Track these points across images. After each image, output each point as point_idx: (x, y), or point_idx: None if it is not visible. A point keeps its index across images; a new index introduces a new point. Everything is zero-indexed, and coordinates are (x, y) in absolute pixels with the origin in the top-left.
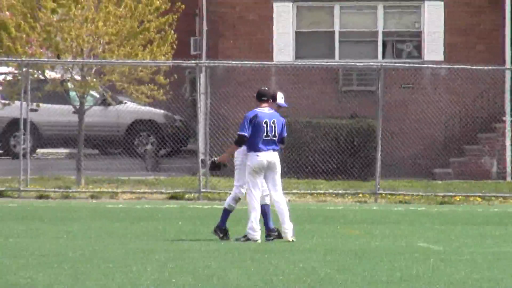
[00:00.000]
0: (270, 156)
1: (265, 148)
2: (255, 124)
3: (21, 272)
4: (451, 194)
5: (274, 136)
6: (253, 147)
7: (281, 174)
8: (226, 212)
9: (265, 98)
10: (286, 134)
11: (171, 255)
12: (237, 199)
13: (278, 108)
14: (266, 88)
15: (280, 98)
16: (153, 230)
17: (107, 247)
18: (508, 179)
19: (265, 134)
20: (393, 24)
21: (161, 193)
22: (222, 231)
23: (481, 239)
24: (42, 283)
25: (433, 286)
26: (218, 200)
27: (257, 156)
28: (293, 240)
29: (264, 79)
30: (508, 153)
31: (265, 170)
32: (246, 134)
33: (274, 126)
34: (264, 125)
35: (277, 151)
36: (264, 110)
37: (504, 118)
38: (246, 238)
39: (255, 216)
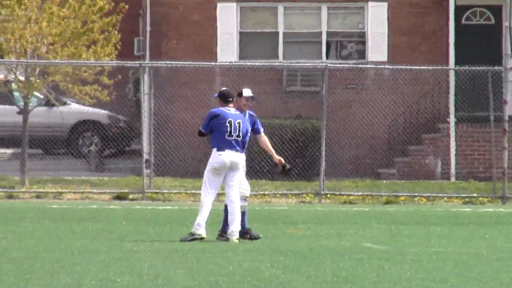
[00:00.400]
0: (233, 157)
1: (228, 148)
2: (218, 122)
3: None
4: (395, 194)
5: (238, 136)
6: (216, 145)
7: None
8: (242, 214)
9: (231, 99)
10: (262, 128)
11: (115, 255)
12: (244, 198)
13: (252, 100)
14: (227, 89)
15: (247, 92)
16: (97, 230)
17: (51, 247)
18: (452, 179)
19: (228, 134)
20: (337, 25)
21: (106, 193)
22: (246, 233)
23: (426, 239)
24: None
25: (378, 286)
26: (162, 200)
27: (220, 155)
28: (238, 241)
29: (208, 80)
30: (452, 153)
31: (227, 170)
32: (204, 131)
33: (239, 127)
34: (228, 124)
35: (241, 152)
36: (230, 110)
37: (448, 119)
38: (192, 236)
39: (204, 212)
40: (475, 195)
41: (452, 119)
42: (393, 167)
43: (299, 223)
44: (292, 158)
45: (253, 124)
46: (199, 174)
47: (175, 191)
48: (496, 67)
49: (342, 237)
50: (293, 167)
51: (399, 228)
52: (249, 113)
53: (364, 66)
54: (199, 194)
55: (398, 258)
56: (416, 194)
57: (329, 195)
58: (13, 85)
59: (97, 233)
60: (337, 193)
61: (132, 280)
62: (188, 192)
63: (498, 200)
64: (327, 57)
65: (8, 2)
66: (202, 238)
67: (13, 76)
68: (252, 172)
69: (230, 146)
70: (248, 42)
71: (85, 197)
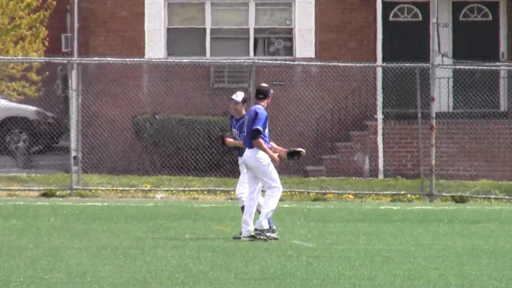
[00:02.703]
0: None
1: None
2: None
3: None
4: (323, 191)
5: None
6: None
7: (152, 171)
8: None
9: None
10: (256, 126)
11: (43, 252)
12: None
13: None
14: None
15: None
16: (24, 227)
17: None
18: (380, 176)
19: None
20: (265, 21)
21: (33, 190)
22: (272, 231)
23: (354, 236)
24: None
25: (306, 283)
26: (91, 196)
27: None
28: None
29: (136, 76)
30: (380, 150)
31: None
32: (262, 130)
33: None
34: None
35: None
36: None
37: (375, 116)
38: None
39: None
40: (402, 192)
41: (379, 116)
42: (321, 164)
43: (227, 219)
44: (220, 155)
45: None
46: (127, 171)
47: (103, 188)
48: (424, 64)
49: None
50: (222, 163)
51: (327, 225)
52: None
53: (292, 63)
54: (127, 190)
55: (326, 255)
56: (344, 191)
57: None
58: None
59: (25, 230)
60: (264, 189)
61: (60, 277)
62: (116, 188)
63: (425, 198)
64: (254, 54)
65: None
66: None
67: None
68: (180, 169)
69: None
70: (175, 38)
71: (12, 194)
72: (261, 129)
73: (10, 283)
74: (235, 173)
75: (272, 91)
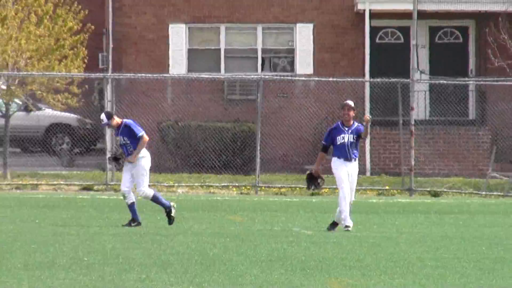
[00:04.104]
0: None
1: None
2: None
3: None
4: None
5: (351, 145)
6: None
7: (174, 169)
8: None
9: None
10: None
11: (83, 238)
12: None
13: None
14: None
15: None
16: (67, 217)
17: (28, 231)
18: (368, 174)
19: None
20: (270, 43)
21: (75, 185)
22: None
23: None
24: None
25: (304, 264)
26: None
27: None
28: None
29: (161, 89)
30: (367, 152)
31: None
32: (325, 143)
33: (352, 137)
34: None
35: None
36: None
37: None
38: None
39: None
40: (386, 187)
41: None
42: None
43: (238, 211)
44: (231, 156)
45: (360, 129)
46: (153, 169)
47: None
48: (404, 79)
49: (275, 223)
50: (234, 163)
51: (323, 215)
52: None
53: (293, 78)
54: (153, 185)
55: (322, 241)
56: (336, 187)
57: (263, 187)
58: None
59: (68, 219)
60: (270, 185)
61: (98, 258)
62: (149, 183)
63: (406, 192)
64: (262, 70)
65: None
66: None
67: None
68: (199, 167)
69: (345, 155)
70: (195, 57)
71: (57, 189)
72: (324, 142)
73: (55, 265)
74: (246, 171)
75: (348, 103)
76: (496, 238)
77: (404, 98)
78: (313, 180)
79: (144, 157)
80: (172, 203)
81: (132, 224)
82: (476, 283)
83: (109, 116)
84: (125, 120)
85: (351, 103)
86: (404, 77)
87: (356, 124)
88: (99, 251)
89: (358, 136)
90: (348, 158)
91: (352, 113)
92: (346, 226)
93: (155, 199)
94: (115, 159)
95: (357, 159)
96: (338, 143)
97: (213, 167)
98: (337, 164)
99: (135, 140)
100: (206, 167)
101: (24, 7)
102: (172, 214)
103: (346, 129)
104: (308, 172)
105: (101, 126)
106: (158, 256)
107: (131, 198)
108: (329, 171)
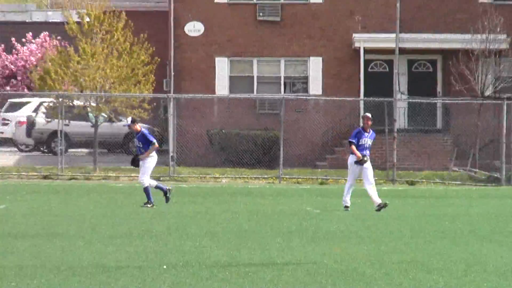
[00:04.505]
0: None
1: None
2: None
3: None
4: (326, 178)
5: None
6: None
7: (219, 165)
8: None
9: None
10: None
11: (152, 214)
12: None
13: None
14: (368, 115)
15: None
16: (141, 200)
17: (112, 210)
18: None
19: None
20: (290, 72)
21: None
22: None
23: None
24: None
25: (315, 235)
26: (181, 181)
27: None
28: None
29: (210, 105)
30: None
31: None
32: (352, 140)
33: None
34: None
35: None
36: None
37: None
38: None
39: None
40: (376, 178)
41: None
42: (325, 161)
43: (266, 196)
44: (261, 155)
45: (374, 138)
46: (203, 165)
47: (188, 175)
48: (389, 99)
49: (292, 204)
50: (263, 160)
51: (329, 199)
52: (372, 132)
53: (307, 97)
54: (203, 177)
55: (328, 217)
56: (339, 178)
57: (285, 178)
58: (88, 109)
59: (141, 202)
60: (290, 177)
61: (163, 230)
62: (197, 176)
63: (390, 182)
64: (284, 92)
65: (85, 56)
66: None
67: (88, 103)
68: (237, 163)
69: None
70: (234, 82)
71: (132, 179)
72: (351, 139)
73: (132, 234)
74: (272, 166)
75: (367, 115)
76: (456, 215)
77: (389, 113)
78: (361, 161)
79: (152, 157)
80: (169, 187)
81: (148, 206)
82: (441, 248)
83: (133, 121)
84: (143, 129)
85: (369, 115)
86: (389, 97)
87: (371, 131)
88: (164, 225)
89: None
90: (365, 155)
91: (370, 123)
92: (379, 205)
93: (146, 190)
94: (133, 161)
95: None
96: (360, 143)
97: (247, 163)
98: (354, 159)
99: (147, 145)
100: (243, 163)
101: (108, 45)
102: (167, 198)
103: (366, 134)
104: (355, 160)
105: (124, 126)
106: (208, 228)
107: (147, 184)
108: (338, 166)
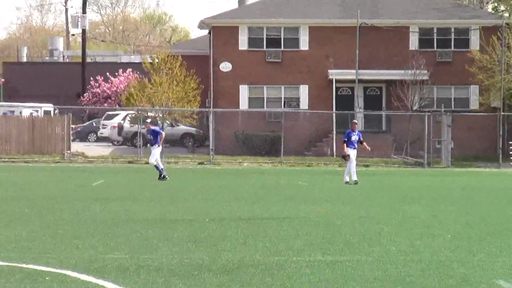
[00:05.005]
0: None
1: (352, 146)
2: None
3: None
4: (312, 163)
5: (356, 141)
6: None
7: (242, 154)
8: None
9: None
10: (362, 139)
11: (197, 188)
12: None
13: (355, 124)
14: (355, 121)
15: (355, 122)
16: (193, 176)
17: (169, 185)
18: (333, 156)
19: (352, 139)
20: (288, 94)
21: (195, 162)
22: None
23: (325, 180)
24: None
25: (303, 200)
26: (218, 165)
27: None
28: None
29: (236, 116)
30: (334, 146)
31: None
32: (345, 139)
33: (357, 138)
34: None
35: (355, 148)
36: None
37: (332, 133)
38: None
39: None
40: (341, 163)
41: (334, 132)
42: (310, 151)
43: (272, 174)
44: (270, 148)
45: (360, 136)
46: (232, 154)
47: (222, 161)
48: (352, 112)
49: (289, 180)
50: (271, 151)
51: (313, 176)
52: (357, 132)
53: (299, 110)
54: (231, 162)
55: (313, 189)
56: (320, 162)
57: (284, 162)
58: (157, 118)
59: (190, 179)
60: (288, 161)
61: (214, 195)
62: (227, 161)
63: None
64: (284, 107)
65: (155, 84)
66: (346, 183)
67: (157, 114)
68: (255, 153)
69: (353, 145)
70: (252, 101)
71: (186, 164)
72: (345, 139)
73: (196, 198)
74: (276, 155)
75: (354, 121)
76: (395, 187)
77: (351, 120)
78: (345, 157)
79: (159, 147)
80: (165, 175)
81: (162, 179)
82: (386, 207)
83: (147, 121)
84: (152, 127)
85: (356, 121)
86: (352, 110)
87: (357, 131)
88: (206, 192)
89: (359, 139)
90: (354, 148)
91: (356, 126)
92: (354, 181)
93: (156, 167)
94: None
95: (357, 148)
96: (351, 139)
97: (260, 153)
98: (349, 150)
99: (155, 137)
100: (257, 153)
101: (170, 77)
102: (161, 177)
103: (354, 133)
104: (342, 155)
105: (141, 123)
106: (234, 195)
107: (155, 163)
108: (319, 154)
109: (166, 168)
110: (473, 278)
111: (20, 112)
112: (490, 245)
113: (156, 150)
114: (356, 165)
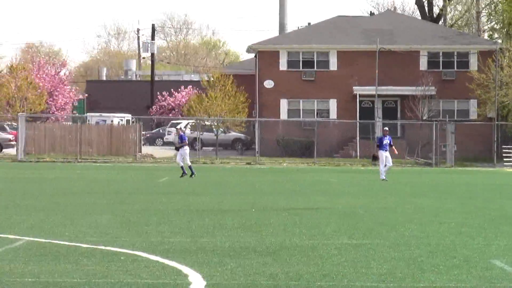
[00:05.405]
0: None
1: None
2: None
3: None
4: (340, 163)
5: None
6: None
7: (282, 155)
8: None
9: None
10: (391, 143)
11: (241, 183)
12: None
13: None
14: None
15: (385, 129)
16: (245, 175)
17: (217, 183)
18: (357, 157)
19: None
20: (320, 106)
21: (243, 162)
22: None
23: (351, 176)
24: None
25: (333, 193)
26: (263, 164)
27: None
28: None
29: (276, 125)
30: (358, 149)
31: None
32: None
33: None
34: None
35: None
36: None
37: (356, 138)
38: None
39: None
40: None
41: (357, 138)
42: (339, 153)
43: (307, 172)
44: (305, 150)
45: (390, 141)
46: (274, 155)
47: (267, 160)
48: (372, 121)
49: (321, 177)
50: (306, 153)
51: (342, 174)
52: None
53: (329, 120)
54: (274, 162)
55: (341, 184)
56: (347, 163)
57: (317, 162)
58: (213, 126)
59: (245, 178)
60: (320, 162)
61: (247, 190)
62: (271, 161)
63: (374, 165)
64: (316, 117)
65: (211, 98)
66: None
67: (213, 123)
68: (293, 155)
69: (385, 148)
70: (290, 112)
71: (235, 163)
72: (377, 143)
73: (246, 189)
74: (310, 156)
75: (385, 129)
76: (408, 182)
77: (372, 129)
78: (375, 159)
79: (186, 149)
80: (185, 172)
81: (184, 176)
82: (402, 200)
83: (178, 127)
84: (181, 133)
85: (387, 128)
86: (372, 120)
87: (388, 136)
88: (252, 187)
89: (390, 143)
90: (386, 150)
91: (387, 132)
92: (383, 179)
93: (190, 168)
94: (176, 149)
95: (388, 150)
96: (383, 143)
97: (297, 155)
98: (381, 152)
99: (181, 142)
100: (295, 155)
101: (223, 92)
102: (182, 176)
103: (385, 137)
104: (372, 155)
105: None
106: (275, 189)
107: (182, 164)
108: (346, 156)
109: (198, 167)
110: (473, 259)
111: (112, 121)
112: (487, 231)
113: (184, 151)
114: (391, 165)
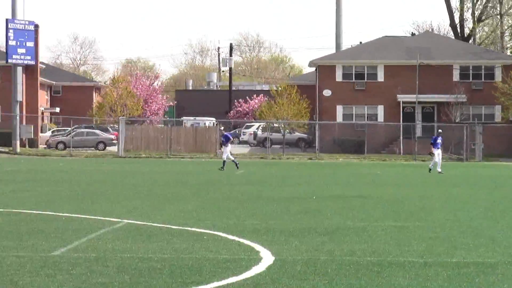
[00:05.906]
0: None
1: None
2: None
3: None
4: (386, 158)
5: (439, 143)
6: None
7: (338, 152)
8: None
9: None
10: (443, 142)
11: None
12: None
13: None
14: (440, 131)
15: (439, 132)
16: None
17: (288, 173)
18: (400, 153)
19: (437, 142)
20: (369, 112)
21: (305, 157)
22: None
23: (390, 168)
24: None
25: (375, 183)
26: (321, 159)
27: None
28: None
29: (334, 127)
30: (401, 147)
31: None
32: (432, 142)
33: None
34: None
35: (439, 148)
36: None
37: (399, 138)
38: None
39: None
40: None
41: (401, 137)
42: (385, 150)
43: (359, 166)
44: (358, 147)
45: (442, 140)
46: (335, 151)
47: (324, 157)
48: (414, 123)
49: (370, 170)
50: (357, 150)
51: (387, 168)
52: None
53: (377, 123)
54: (332, 157)
55: (384, 176)
56: (391, 158)
57: (367, 158)
58: (280, 127)
59: (307, 171)
60: (369, 157)
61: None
62: (329, 157)
63: (412, 160)
64: (366, 120)
65: (279, 105)
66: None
67: (280, 125)
68: (348, 151)
69: (437, 146)
70: (345, 116)
71: (299, 158)
72: (432, 141)
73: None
74: (362, 152)
75: (440, 130)
76: (444, 176)
77: (413, 130)
78: (431, 154)
79: (228, 146)
80: (223, 167)
81: (222, 169)
82: (435, 194)
83: (221, 128)
84: (225, 133)
85: (441, 130)
86: (413, 122)
87: (440, 137)
88: (310, 179)
89: (442, 142)
90: (438, 148)
91: (440, 133)
92: (439, 172)
93: (224, 162)
94: (220, 146)
95: (440, 148)
96: (437, 142)
97: (350, 151)
98: (434, 149)
99: (225, 140)
100: (349, 152)
101: (289, 99)
102: (224, 166)
103: (439, 138)
104: (429, 152)
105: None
106: (335, 179)
107: (226, 159)
108: (391, 152)
109: (241, 162)
110: (497, 238)
111: (205, 123)
112: (509, 215)
113: (227, 148)
114: (442, 159)
